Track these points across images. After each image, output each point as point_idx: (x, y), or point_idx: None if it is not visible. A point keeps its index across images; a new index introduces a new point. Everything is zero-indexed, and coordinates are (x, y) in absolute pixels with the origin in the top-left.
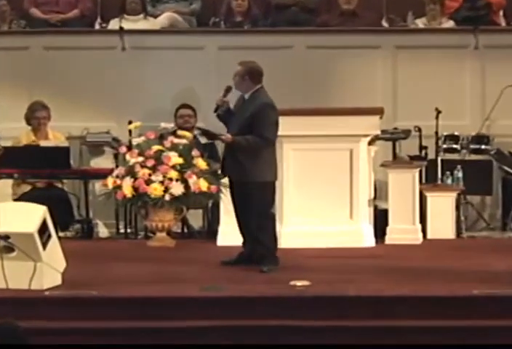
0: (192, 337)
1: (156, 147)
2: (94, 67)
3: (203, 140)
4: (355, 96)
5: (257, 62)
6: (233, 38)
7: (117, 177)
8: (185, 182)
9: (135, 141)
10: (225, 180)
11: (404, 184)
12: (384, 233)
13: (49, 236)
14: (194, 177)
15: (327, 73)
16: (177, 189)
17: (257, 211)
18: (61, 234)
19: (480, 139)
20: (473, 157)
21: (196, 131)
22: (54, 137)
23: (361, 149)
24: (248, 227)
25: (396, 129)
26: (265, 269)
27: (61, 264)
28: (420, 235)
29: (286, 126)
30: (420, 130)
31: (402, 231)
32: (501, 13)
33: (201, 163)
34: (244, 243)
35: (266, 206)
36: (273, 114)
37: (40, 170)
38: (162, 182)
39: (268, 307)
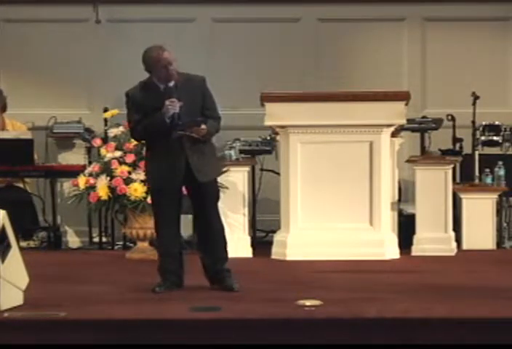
0: None
1: None
2: (63, 43)
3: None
4: (376, 78)
5: None
6: (229, 9)
7: (90, 175)
8: None
9: (112, 132)
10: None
11: (434, 183)
12: (410, 243)
13: (9, 246)
14: None
15: (342, 50)
16: None
17: (218, 209)
18: (23, 244)
19: None
20: None
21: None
22: (14, 126)
23: (383, 141)
24: (216, 232)
25: (424, 117)
26: (237, 287)
27: (23, 280)
28: (454, 245)
29: (293, 114)
30: (453, 119)
31: (432, 240)
32: None
33: None
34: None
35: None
36: None
37: None
38: (144, 182)
39: (270, 331)
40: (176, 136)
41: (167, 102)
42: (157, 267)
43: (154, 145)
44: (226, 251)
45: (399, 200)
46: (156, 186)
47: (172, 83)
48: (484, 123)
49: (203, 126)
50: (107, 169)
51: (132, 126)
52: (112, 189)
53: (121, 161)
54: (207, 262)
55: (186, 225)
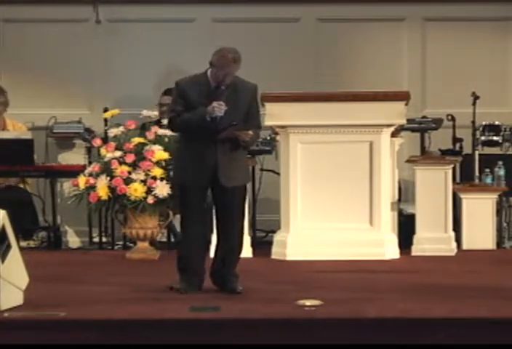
0: None
1: (136, 140)
2: (63, 43)
3: None
4: (375, 78)
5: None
6: (229, 9)
7: (90, 175)
8: None
9: (112, 132)
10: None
11: (434, 183)
12: (410, 243)
13: (9, 246)
14: None
15: (342, 50)
16: (162, 190)
17: (242, 214)
18: (23, 243)
19: None
20: None
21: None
22: (14, 127)
23: (383, 141)
24: (232, 236)
25: (424, 117)
26: (241, 289)
27: (23, 280)
28: (454, 245)
29: (293, 114)
30: (453, 119)
31: (432, 240)
32: None
33: None
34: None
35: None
36: None
37: None
38: (144, 182)
39: (270, 331)
40: (223, 136)
41: (215, 104)
42: (177, 266)
43: (188, 142)
44: (238, 257)
45: (399, 200)
46: (181, 183)
47: (223, 86)
48: (484, 123)
49: (250, 132)
50: (107, 169)
51: (171, 116)
52: (112, 189)
53: (121, 161)
54: (215, 263)
55: None
